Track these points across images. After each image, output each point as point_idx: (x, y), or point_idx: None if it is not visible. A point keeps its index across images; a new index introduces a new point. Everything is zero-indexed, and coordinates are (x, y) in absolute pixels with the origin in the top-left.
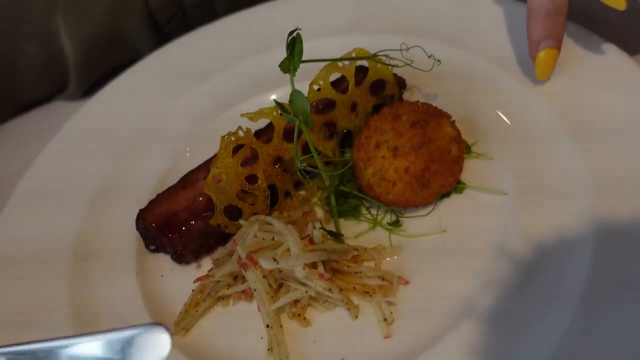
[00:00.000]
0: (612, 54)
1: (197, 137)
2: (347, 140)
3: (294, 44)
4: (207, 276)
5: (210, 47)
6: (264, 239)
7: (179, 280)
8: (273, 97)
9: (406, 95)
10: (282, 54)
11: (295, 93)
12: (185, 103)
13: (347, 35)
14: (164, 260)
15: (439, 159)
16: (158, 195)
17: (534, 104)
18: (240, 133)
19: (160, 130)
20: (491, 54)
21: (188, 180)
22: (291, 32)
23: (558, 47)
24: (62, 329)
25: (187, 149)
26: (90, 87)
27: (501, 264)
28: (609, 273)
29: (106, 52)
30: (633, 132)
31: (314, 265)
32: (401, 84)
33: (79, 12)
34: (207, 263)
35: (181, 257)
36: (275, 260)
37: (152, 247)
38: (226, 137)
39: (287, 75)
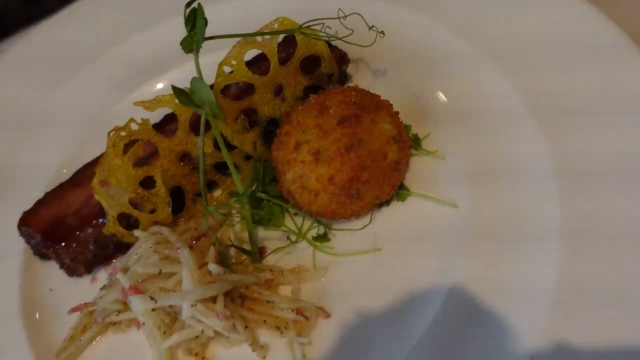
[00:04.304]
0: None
1: (90, 130)
2: (274, 129)
3: (195, 16)
4: (85, 305)
5: (94, 20)
6: (159, 270)
7: (70, 296)
8: (161, 84)
9: (350, 70)
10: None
11: (196, 81)
12: (69, 93)
13: None
14: (55, 270)
15: (371, 165)
16: (46, 194)
17: (500, 84)
18: (134, 126)
19: (45, 123)
20: (457, 22)
21: (81, 176)
22: (189, 2)
23: None
24: None
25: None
26: None
27: (443, 299)
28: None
29: None
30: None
31: (214, 299)
32: (342, 59)
33: None
34: (104, 275)
35: (70, 270)
36: (153, 298)
37: (42, 255)
38: (113, 132)
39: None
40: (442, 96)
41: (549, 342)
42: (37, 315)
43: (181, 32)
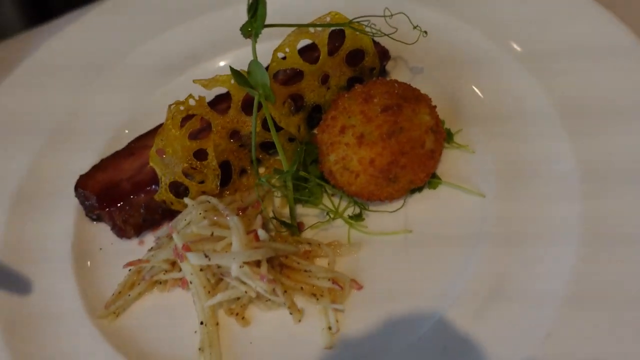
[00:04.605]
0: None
1: (144, 105)
2: (316, 115)
3: (257, 5)
4: (139, 261)
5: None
6: (212, 232)
7: (118, 255)
8: (224, 62)
9: (389, 67)
10: (244, 10)
11: (254, 64)
12: (131, 63)
13: None
14: (105, 232)
15: (410, 151)
16: (102, 160)
17: (532, 87)
18: (192, 102)
19: (103, 95)
20: (488, 26)
21: (135, 146)
22: None
23: None
24: None
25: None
26: None
27: (468, 279)
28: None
29: None
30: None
31: (258, 263)
32: (383, 55)
33: None
34: (150, 239)
35: (121, 231)
36: (207, 256)
37: (93, 216)
38: (173, 106)
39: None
40: (476, 96)
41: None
42: (88, 270)
43: (239, 19)
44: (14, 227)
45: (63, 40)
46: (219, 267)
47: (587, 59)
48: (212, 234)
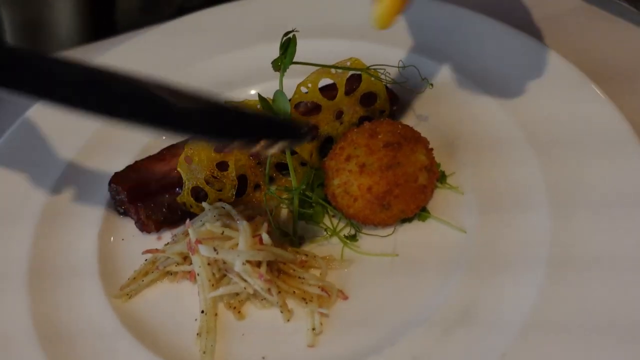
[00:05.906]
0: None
1: None
2: (328, 146)
3: (288, 44)
4: (156, 250)
5: (207, 32)
6: (222, 231)
7: (138, 247)
8: (254, 90)
9: (398, 111)
10: (276, 48)
11: (278, 94)
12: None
13: (346, 40)
14: (128, 225)
15: (403, 184)
16: (136, 161)
17: (523, 151)
18: None
19: None
20: (495, 90)
21: (167, 152)
22: (287, 33)
23: None
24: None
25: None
26: None
27: (441, 301)
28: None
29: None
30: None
31: (258, 264)
32: (394, 100)
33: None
34: (167, 236)
35: (144, 226)
36: (215, 250)
37: (121, 210)
38: None
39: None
40: (471, 146)
41: None
42: (110, 256)
43: (272, 54)
44: (50, 210)
45: (119, 54)
46: (224, 263)
47: (581, 141)
48: (223, 233)
